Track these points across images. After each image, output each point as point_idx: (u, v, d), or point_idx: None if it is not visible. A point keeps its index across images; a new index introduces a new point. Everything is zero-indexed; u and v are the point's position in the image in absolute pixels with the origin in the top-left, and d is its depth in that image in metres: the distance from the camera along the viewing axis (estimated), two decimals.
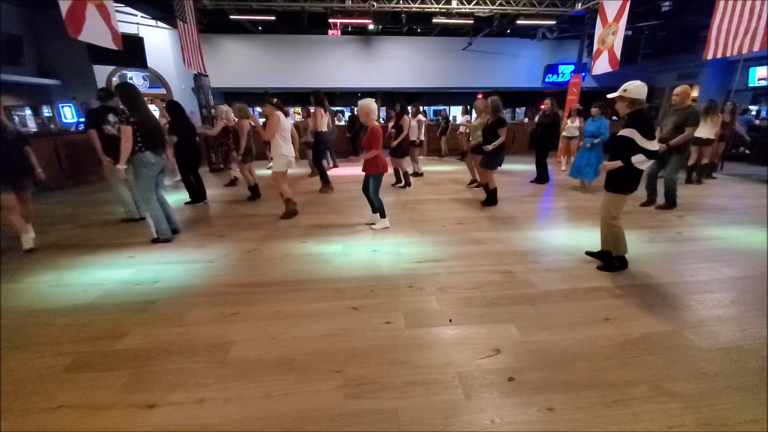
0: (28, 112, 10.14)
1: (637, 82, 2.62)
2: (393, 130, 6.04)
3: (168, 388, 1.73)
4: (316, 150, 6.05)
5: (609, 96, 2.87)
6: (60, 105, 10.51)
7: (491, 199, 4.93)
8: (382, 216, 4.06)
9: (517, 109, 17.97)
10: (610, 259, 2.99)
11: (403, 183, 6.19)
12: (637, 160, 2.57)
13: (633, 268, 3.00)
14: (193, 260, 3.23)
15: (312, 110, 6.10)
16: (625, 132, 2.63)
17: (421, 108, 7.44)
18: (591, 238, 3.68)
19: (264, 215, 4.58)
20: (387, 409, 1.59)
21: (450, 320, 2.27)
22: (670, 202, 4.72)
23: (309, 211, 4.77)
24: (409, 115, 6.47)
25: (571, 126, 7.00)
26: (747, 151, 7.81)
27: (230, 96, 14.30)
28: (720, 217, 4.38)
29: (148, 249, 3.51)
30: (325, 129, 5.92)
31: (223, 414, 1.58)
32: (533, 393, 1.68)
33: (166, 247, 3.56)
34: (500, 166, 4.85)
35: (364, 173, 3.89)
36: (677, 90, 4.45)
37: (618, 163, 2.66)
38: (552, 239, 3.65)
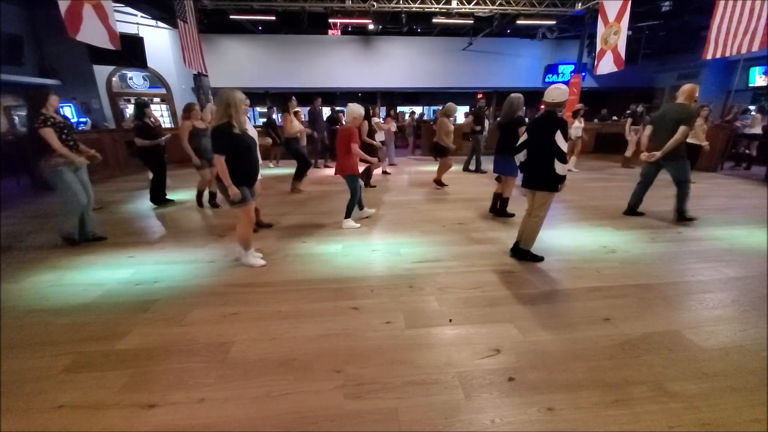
0: None
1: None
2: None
3: (168, 388, 1.73)
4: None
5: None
6: (60, 105, 10.50)
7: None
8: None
9: None
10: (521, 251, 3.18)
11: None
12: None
13: (633, 268, 3.01)
14: (193, 260, 3.23)
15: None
16: None
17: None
18: (591, 238, 3.69)
19: (263, 215, 4.58)
20: (387, 409, 1.59)
21: (450, 320, 2.27)
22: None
23: (309, 212, 4.77)
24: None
25: (577, 126, 7.14)
26: (746, 151, 7.86)
27: None
28: (720, 217, 4.38)
29: (149, 249, 3.51)
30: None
31: (223, 414, 1.58)
32: (533, 393, 1.68)
33: (166, 247, 3.56)
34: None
35: None
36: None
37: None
38: (552, 239, 3.65)
